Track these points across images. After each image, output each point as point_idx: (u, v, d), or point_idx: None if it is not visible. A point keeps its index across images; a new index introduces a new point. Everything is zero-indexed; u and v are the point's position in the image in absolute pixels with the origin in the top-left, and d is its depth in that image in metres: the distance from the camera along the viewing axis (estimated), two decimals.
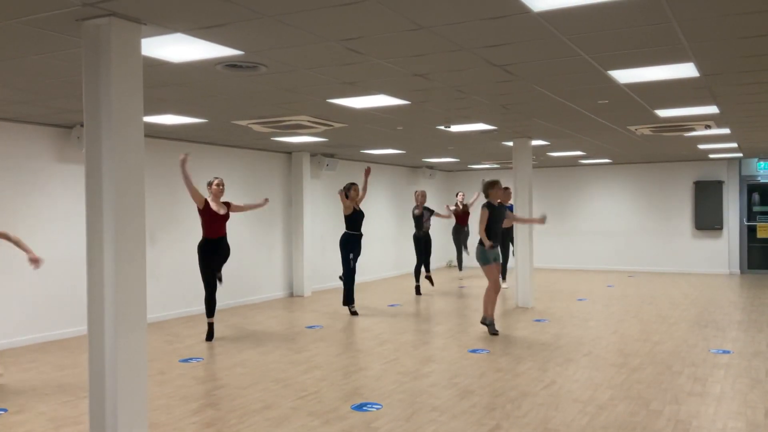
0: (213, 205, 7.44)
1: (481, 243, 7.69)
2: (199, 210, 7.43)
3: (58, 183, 7.93)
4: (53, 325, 7.84)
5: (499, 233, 7.80)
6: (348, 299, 9.38)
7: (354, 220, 9.20)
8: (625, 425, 4.53)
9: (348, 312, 9.42)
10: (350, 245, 9.19)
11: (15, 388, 5.68)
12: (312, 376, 5.96)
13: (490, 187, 7.78)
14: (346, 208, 9.17)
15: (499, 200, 7.83)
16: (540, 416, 4.74)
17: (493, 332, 7.70)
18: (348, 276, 9.30)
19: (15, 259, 7.47)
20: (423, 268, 11.53)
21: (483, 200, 8.08)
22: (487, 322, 7.82)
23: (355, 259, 9.27)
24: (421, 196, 11.52)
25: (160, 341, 7.65)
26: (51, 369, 6.39)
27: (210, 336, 7.60)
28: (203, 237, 7.51)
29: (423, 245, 11.45)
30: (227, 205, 7.64)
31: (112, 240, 3.76)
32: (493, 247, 7.57)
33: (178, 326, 8.64)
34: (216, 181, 7.54)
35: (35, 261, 5.56)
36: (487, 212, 7.65)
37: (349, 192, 9.17)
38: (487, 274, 7.77)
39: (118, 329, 3.77)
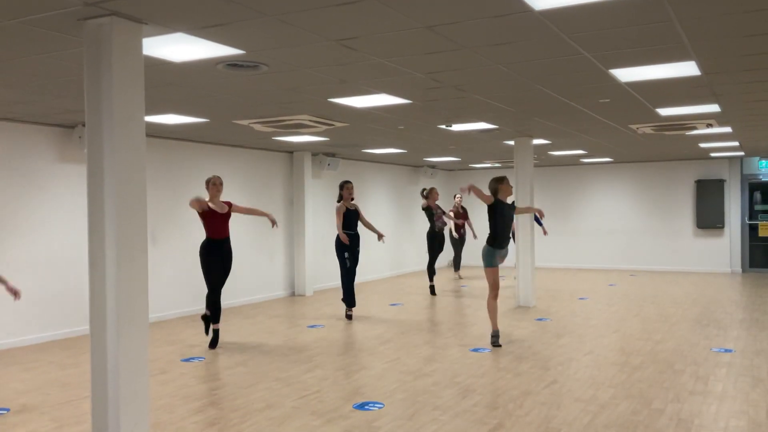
0: (212, 205, 7.16)
1: (488, 243, 7.18)
2: (200, 213, 7.13)
3: (59, 183, 7.93)
4: (55, 325, 7.84)
5: (504, 231, 7.22)
6: (348, 300, 9.03)
7: (347, 219, 8.88)
8: (626, 424, 4.52)
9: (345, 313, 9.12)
10: (346, 245, 8.87)
11: (17, 388, 5.69)
12: (314, 376, 5.96)
13: (498, 183, 7.18)
14: (338, 208, 8.85)
15: (509, 196, 7.27)
16: (542, 415, 4.74)
17: (496, 344, 7.10)
18: (346, 276, 8.97)
19: (16, 259, 7.48)
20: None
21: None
22: (492, 333, 7.22)
23: (352, 259, 8.91)
24: (434, 193, 11.46)
25: (162, 341, 7.65)
26: (53, 369, 6.39)
27: (214, 343, 7.23)
28: (207, 238, 7.17)
29: (438, 244, 11.39)
30: (228, 204, 7.33)
31: (113, 239, 3.77)
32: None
33: (180, 326, 8.65)
34: (213, 179, 7.22)
35: (14, 293, 5.05)
36: (492, 198, 7.09)
37: (342, 191, 8.88)
38: (486, 277, 7.21)
39: (120, 329, 3.77)
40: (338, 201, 8.99)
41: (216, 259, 7.17)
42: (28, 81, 5.39)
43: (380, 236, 9.26)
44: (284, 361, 6.54)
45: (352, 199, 8.99)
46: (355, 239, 8.94)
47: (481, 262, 7.52)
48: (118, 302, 3.77)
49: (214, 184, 7.21)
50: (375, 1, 3.48)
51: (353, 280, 9.09)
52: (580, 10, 3.71)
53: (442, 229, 11.60)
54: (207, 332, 7.39)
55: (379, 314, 9.38)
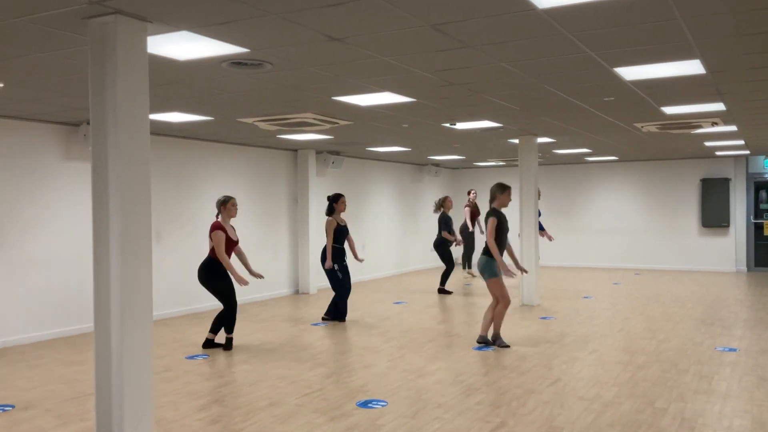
0: (228, 230, 6.97)
1: (485, 253, 6.90)
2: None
3: (64, 180, 7.96)
4: (60, 322, 7.87)
5: (505, 242, 7.01)
6: (339, 314, 8.71)
7: (339, 234, 8.51)
8: (630, 423, 4.52)
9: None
10: (334, 259, 8.48)
11: (22, 385, 5.71)
12: (317, 373, 5.97)
13: (499, 191, 6.97)
14: (329, 223, 8.48)
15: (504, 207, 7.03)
16: (545, 414, 4.74)
17: (504, 345, 6.98)
18: (338, 289, 8.62)
19: (21, 256, 7.51)
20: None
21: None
22: (494, 337, 7.05)
23: (343, 270, 8.54)
24: (448, 202, 11.39)
25: (167, 338, 7.67)
26: (58, 365, 6.42)
27: (229, 347, 7.08)
28: (212, 258, 6.94)
29: (450, 252, 11.30)
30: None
31: (118, 237, 3.78)
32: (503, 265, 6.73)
33: (184, 323, 8.67)
34: (234, 201, 7.02)
35: None
36: (495, 221, 6.83)
37: (336, 204, 8.53)
38: (493, 289, 6.93)
39: (124, 326, 3.79)
40: (328, 214, 8.51)
41: (223, 277, 7.00)
42: (33, 79, 5.40)
43: (357, 258, 8.98)
44: (288, 359, 6.55)
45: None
46: (342, 253, 8.59)
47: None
48: (122, 299, 3.78)
49: (234, 206, 7.03)
50: None
51: (348, 294, 8.73)
52: (584, 8, 3.70)
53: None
54: (228, 347, 7.11)
55: (383, 312, 9.39)
